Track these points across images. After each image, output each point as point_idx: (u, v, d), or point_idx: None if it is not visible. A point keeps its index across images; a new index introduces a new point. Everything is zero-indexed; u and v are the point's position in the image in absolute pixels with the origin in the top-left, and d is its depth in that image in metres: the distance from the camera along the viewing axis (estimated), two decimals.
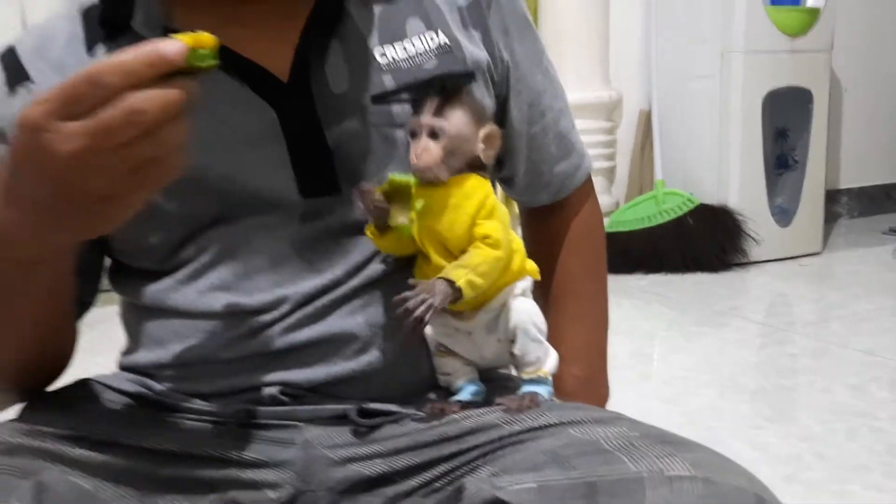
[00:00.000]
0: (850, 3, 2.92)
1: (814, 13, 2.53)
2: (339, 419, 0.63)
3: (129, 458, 0.60)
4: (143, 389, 0.67)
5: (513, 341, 0.62)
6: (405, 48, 0.66)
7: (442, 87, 0.63)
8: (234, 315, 0.65)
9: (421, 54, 0.66)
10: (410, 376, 0.67)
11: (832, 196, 3.11)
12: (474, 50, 0.68)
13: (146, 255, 0.66)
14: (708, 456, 0.53)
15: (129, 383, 0.68)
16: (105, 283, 0.72)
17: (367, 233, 0.63)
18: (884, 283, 2.35)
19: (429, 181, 0.59)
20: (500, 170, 0.76)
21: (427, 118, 0.59)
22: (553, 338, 0.66)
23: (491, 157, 0.62)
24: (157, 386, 0.67)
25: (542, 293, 0.68)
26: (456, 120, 0.59)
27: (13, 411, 0.69)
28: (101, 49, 0.64)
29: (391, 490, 0.61)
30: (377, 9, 0.67)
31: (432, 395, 0.66)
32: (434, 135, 0.59)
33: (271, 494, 0.61)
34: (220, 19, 0.63)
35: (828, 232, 2.90)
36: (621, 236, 2.49)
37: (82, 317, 0.71)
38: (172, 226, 0.64)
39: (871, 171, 3.24)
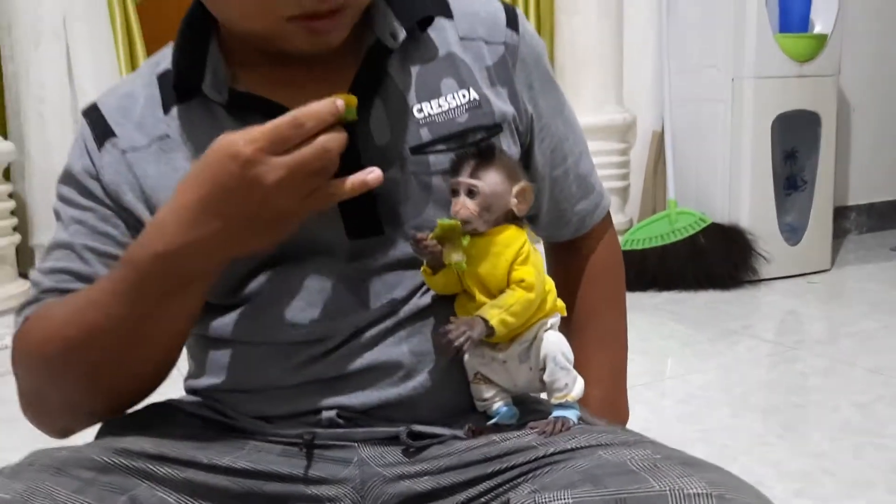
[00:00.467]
0: (857, 28, 2.95)
1: (821, 39, 2.55)
2: (391, 440, 0.68)
3: (208, 476, 0.65)
4: (215, 414, 0.72)
5: (543, 370, 0.68)
6: (440, 104, 0.71)
7: (478, 148, 0.68)
8: (292, 346, 0.69)
9: (454, 109, 0.71)
10: (452, 400, 0.71)
11: (841, 212, 3.13)
12: (501, 105, 0.73)
13: (212, 290, 0.69)
14: (722, 476, 0.57)
15: (201, 407, 0.73)
16: None
17: (422, 272, 0.68)
18: (891, 300, 2.35)
19: (469, 232, 0.66)
20: None
21: (464, 178, 0.66)
22: (577, 363, 0.70)
23: (524, 210, 0.68)
24: (228, 410, 0.72)
25: (566, 321, 0.73)
26: (490, 180, 0.66)
27: (86, 430, 0.73)
28: (174, 109, 0.71)
29: None
30: (415, 69, 0.72)
31: (471, 419, 0.70)
32: (471, 193, 0.65)
33: None
34: (277, 81, 0.69)
35: (837, 248, 2.90)
36: (636, 254, 2.51)
37: None
38: (235, 266, 0.68)
39: (879, 187, 3.26)
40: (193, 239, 0.59)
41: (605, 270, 0.88)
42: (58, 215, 0.74)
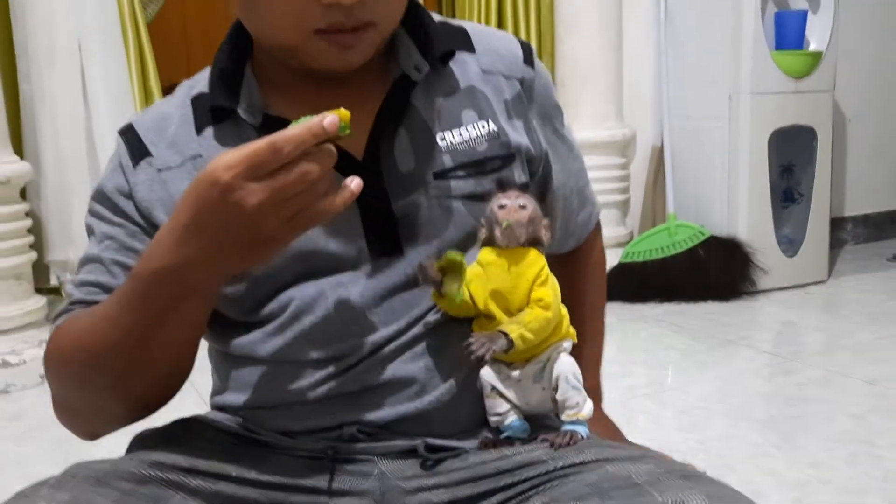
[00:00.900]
0: (851, 44, 2.98)
1: (816, 56, 2.58)
2: (409, 453, 0.71)
3: (237, 488, 0.68)
4: (242, 430, 0.75)
5: (555, 389, 0.72)
6: (461, 133, 0.75)
7: (502, 188, 0.73)
8: (313, 363, 0.72)
9: (474, 139, 0.75)
10: (465, 415, 0.73)
11: (838, 223, 3.15)
12: (516, 136, 0.77)
13: (235, 307, 0.73)
14: (721, 489, 0.61)
15: (229, 422, 0.75)
16: None
17: (432, 296, 0.71)
18: (886, 311, 2.37)
19: (508, 241, 0.70)
20: None
21: (514, 194, 0.70)
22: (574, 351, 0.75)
23: (548, 241, 0.72)
24: (253, 426, 0.74)
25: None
26: (532, 203, 0.71)
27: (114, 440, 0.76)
28: (208, 130, 0.74)
29: None
30: (438, 100, 0.75)
31: (485, 432, 0.73)
32: (522, 207, 0.70)
33: None
34: (308, 106, 0.70)
35: (833, 258, 2.91)
36: (636, 266, 2.54)
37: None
38: (259, 283, 0.71)
39: (875, 198, 3.28)
40: (184, 257, 0.61)
41: (594, 271, 0.94)
42: (90, 230, 0.77)
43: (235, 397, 0.76)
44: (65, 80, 2.14)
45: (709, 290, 2.51)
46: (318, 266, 0.72)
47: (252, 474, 0.69)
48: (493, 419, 0.74)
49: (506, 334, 0.68)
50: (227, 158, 0.58)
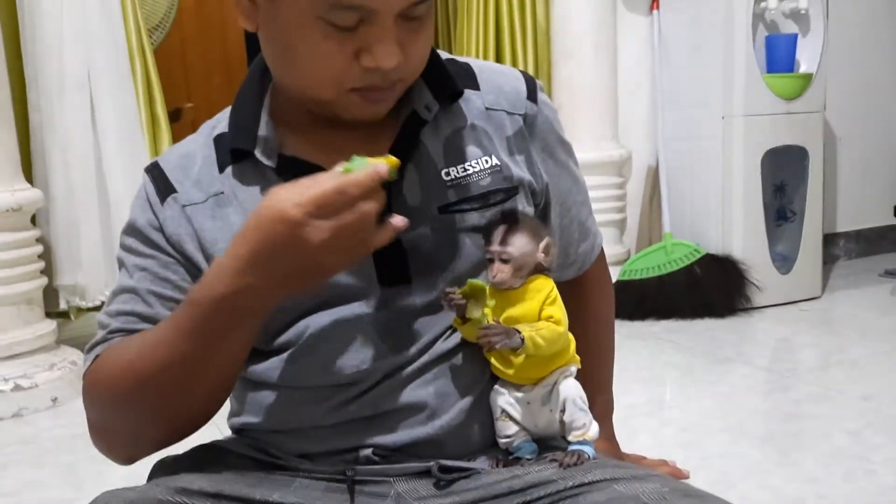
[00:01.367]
0: (840, 65, 3.04)
1: (807, 78, 2.61)
2: (423, 474, 0.74)
3: None
4: (261, 454, 0.77)
5: (562, 411, 0.75)
6: (465, 168, 0.78)
7: (503, 215, 0.76)
8: (328, 389, 0.75)
9: (478, 173, 0.78)
10: (476, 438, 0.77)
11: (830, 239, 3.18)
12: (518, 171, 0.80)
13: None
14: None
15: (249, 448, 0.79)
16: None
17: (454, 323, 0.75)
18: (879, 327, 2.38)
19: (504, 289, 0.75)
20: None
21: (496, 247, 0.74)
22: (586, 375, 0.79)
23: (551, 261, 0.76)
24: (272, 450, 0.77)
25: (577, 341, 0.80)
26: (519, 244, 0.74)
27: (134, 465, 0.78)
28: (229, 169, 0.77)
29: None
30: (444, 137, 0.78)
31: (496, 453, 0.77)
32: (504, 260, 0.74)
33: None
34: (321, 146, 0.76)
35: (827, 274, 2.92)
36: (634, 284, 2.57)
37: None
38: (276, 314, 0.72)
39: (866, 214, 3.31)
40: (245, 285, 0.65)
41: (601, 296, 0.99)
42: (121, 263, 0.80)
43: (252, 420, 0.78)
44: (74, 110, 2.17)
45: (705, 307, 2.53)
46: (331, 296, 0.75)
47: (275, 497, 0.72)
48: (502, 441, 0.78)
49: (519, 332, 0.72)
50: (294, 197, 0.62)
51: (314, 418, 0.75)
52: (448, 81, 0.79)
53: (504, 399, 0.77)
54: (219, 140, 0.79)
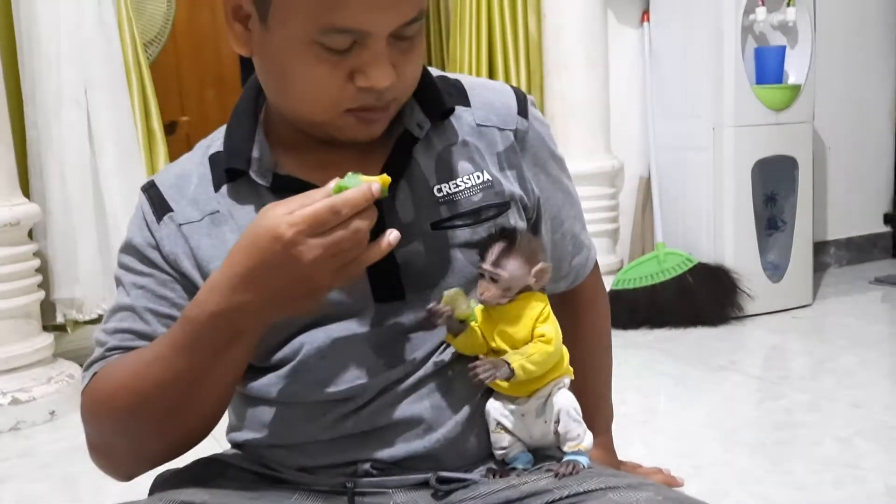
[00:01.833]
0: (828, 76, 3.07)
1: (795, 89, 2.63)
2: (422, 485, 0.74)
3: None
4: (262, 468, 0.78)
5: (557, 422, 0.76)
6: (457, 185, 0.78)
7: (502, 235, 0.76)
8: (325, 404, 0.75)
9: (469, 188, 0.78)
10: (472, 450, 0.77)
11: (821, 247, 3.20)
12: (509, 186, 0.80)
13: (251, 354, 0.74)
14: None
15: (249, 462, 0.79)
16: None
17: (447, 339, 0.76)
18: (868, 335, 2.40)
19: (494, 305, 0.75)
20: None
21: (488, 266, 0.74)
22: (586, 387, 0.80)
23: (540, 286, 0.76)
24: (272, 464, 0.78)
25: (572, 354, 0.80)
26: (510, 267, 0.74)
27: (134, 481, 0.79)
28: (224, 188, 0.78)
29: None
30: (436, 154, 0.79)
31: (491, 464, 0.77)
32: (493, 279, 0.74)
33: None
34: (315, 165, 0.77)
35: (818, 281, 2.93)
36: (627, 294, 2.58)
37: None
38: (273, 331, 0.74)
39: (856, 222, 3.34)
40: (240, 302, 0.66)
41: (595, 309, 1.00)
42: (119, 282, 0.80)
43: (252, 436, 0.79)
44: (71, 125, 2.18)
45: (698, 315, 2.55)
46: (326, 313, 0.75)
47: None
48: (498, 453, 0.79)
49: (508, 363, 0.73)
50: (287, 216, 0.63)
51: (312, 434, 0.76)
52: (439, 99, 0.80)
53: (499, 411, 0.78)
54: (214, 159, 0.80)
